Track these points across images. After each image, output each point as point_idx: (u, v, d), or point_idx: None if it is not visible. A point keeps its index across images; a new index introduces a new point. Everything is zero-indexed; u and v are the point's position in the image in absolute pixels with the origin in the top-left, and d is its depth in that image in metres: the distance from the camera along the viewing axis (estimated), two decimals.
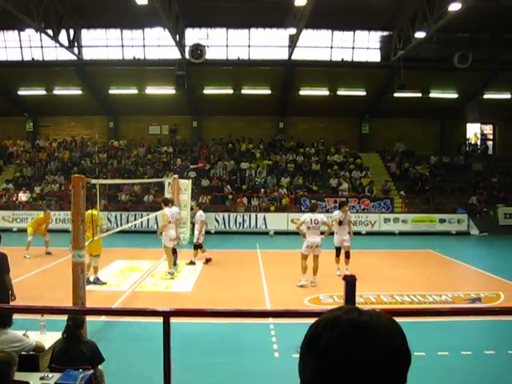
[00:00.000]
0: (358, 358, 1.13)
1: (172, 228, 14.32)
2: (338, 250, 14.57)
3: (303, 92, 29.85)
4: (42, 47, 27.03)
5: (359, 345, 1.15)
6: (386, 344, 1.16)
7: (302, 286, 13.09)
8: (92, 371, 5.54)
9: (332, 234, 14.40)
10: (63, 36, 24.62)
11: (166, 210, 14.39)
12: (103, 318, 9.52)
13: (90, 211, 10.34)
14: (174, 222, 14.44)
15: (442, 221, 25.67)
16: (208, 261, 16.42)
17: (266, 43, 26.96)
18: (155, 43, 26.97)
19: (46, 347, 6.23)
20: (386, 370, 1.15)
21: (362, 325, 1.18)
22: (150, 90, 29.55)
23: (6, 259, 8.26)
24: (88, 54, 27.17)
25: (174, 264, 14.61)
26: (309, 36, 26.16)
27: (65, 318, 5.92)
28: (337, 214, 14.63)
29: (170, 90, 29.02)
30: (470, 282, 15.18)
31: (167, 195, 18.44)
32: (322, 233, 13.49)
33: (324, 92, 29.93)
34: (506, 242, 23.10)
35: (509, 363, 7.74)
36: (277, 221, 24.91)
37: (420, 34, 22.44)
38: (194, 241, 16.32)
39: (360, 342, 1.15)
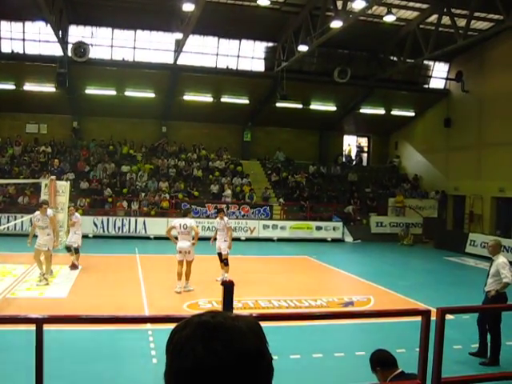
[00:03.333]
0: (199, 357, 1.15)
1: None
2: (219, 255, 14.62)
3: (187, 97, 29.78)
4: None
5: (201, 343, 1.16)
6: (233, 344, 1.17)
7: (178, 293, 13.04)
8: None
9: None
10: None
11: (51, 212, 13.97)
12: None
13: None
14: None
15: (318, 228, 26.61)
16: (74, 267, 15.75)
17: (151, 46, 26.62)
18: (36, 38, 25.72)
19: None
20: (232, 369, 1.15)
21: (210, 325, 1.20)
22: (29, 87, 28.07)
23: None
24: None
25: None
26: (195, 42, 26.21)
27: None
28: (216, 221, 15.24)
29: (50, 88, 27.76)
30: (343, 287, 15.85)
31: (44, 197, 17.69)
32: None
33: (208, 98, 30.04)
34: (377, 249, 24.36)
35: None
36: (157, 225, 24.62)
37: (303, 48, 23.18)
38: (75, 245, 15.73)
39: (203, 340, 1.16)
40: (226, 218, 14.79)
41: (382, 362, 5.27)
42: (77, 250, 15.80)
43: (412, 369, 4.86)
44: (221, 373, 1.14)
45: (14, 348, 8.22)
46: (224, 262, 14.36)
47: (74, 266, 15.63)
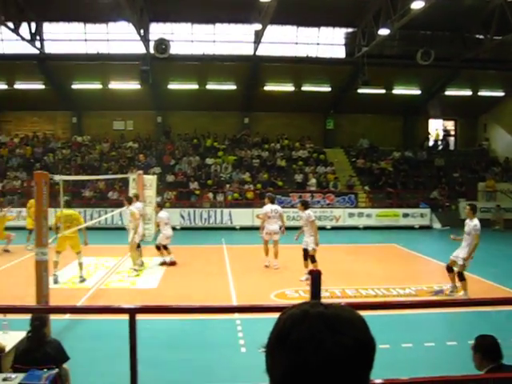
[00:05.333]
0: (329, 350, 1.15)
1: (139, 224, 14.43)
2: (304, 251, 13.46)
3: (268, 88, 29.88)
4: (2, 40, 26.42)
5: (329, 336, 1.16)
6: (354, 334, 1.19)
7: (266, 267, 14.78)
8: (57, 370, 5.48)
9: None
10: (25, 29, 24.11)
11: (133, 208, 14.38)
12: (68, 316, 9.40)
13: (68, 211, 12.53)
14: (139, 218, 14.50)
15: (405, 215, 26.03)
16: (172, 263, 15.47)
17: (231, 38, 26.88)
18: (119, 37, 26.63)
19: (9, 347, 6.12)
20: (357, 359, 1.17)
21: (330, 317, 1.20)
22: (114, 85, 29.20)
23: None
24: (50, 48, 26.66)
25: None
26: (274, 32, 26.19)
27: (27, 316, 5.82)
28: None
29: (134, 85, 28.75)
30: (432, 275, 15.42)
31: (132, 191, 18.24)
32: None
33: (289, 88, 30.03)
34: None
35: (470, 353, 7.91)
36: (242, 216, 24.92)
37: (383, 31, 22.69)
38: (157, 242, 15.66)
39: (330, 333, 1.16)
40: (307, 212, 13.41)
41: (487, 349, 5.02)
42: (165, 247, 15.61)
43: (508, 360, 4.67)
44: (347, 362, 1.15)
45: (109, 336, 8.58)
46: (310, 259, 13.23)
47: (164, 263, 15.47)
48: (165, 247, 15.60)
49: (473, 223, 11.70)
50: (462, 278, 11.56)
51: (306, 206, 13.75)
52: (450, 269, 11.89)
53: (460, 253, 11.73)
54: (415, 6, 19.59)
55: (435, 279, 14.24)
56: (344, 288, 12.37)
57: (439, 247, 21.35)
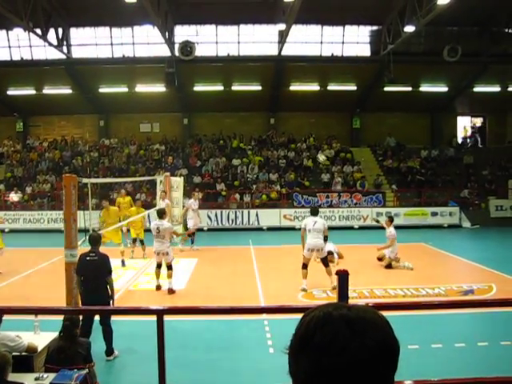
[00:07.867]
0: (353, 352, 1.14)
1: None
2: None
3: (294, 87, 29.83)
4: (30, 46, 26.86)
5: (353, 339, 1.15)
6: (378, 336, 1.18)
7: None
8: (87, 370, 5.55)
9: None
10: (52, 35, 24.45)
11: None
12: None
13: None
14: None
15: (433, 214, 25.75)
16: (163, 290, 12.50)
17: (255, 39, 26.92)
18: (144, 41, 26.88)
19: (40, 347, 6.21)
20: (380, 361, 1.16)
21: (354, 319, 1.19)
22: (140, 88, 29.46)
23: (109, 260, 8.25)
24: (77, 53, 27.05)
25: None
26: (298, 31, 26.14)
27: (58, 317, 5.90)
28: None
29: (160, 88, 28.95)
30: (462, 275, 15.25)
31: (159, 193, 18.46)
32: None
33: (314, 87, 29.93)
34: (498, 234, 23.22)
35: (502, 354, 7.79)
36: (270, 217, 24.92)
37: (409, 28, 22.48)
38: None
39: (354, 336, 1.16)
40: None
41: None
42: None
43: None
44: (371, 364, 1.15)
45: (137, 337, 8.64)
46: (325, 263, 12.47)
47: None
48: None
49: (389, 230, 15.88)
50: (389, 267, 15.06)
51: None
52: (380, 260, 15.77)
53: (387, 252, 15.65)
54: (441, 2, 19.34)
55: (465, 279, 14.07)
56: (372, 288, 12.28)
57: (469, 246, 21.10)
